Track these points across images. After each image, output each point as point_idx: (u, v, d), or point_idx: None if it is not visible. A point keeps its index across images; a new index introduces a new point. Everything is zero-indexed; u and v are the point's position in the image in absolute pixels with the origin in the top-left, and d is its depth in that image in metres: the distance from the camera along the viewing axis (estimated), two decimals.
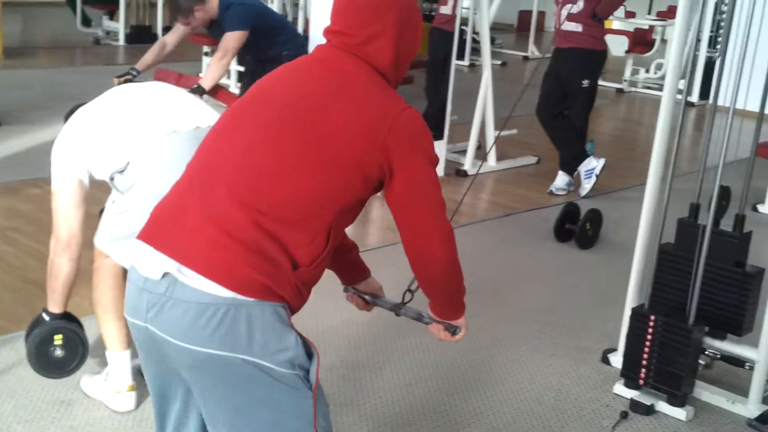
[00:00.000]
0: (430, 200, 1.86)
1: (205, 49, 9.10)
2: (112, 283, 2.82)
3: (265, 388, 1.74)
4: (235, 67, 8.72)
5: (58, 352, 2.81)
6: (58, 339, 2.79)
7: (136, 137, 2.64)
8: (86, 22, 11.88)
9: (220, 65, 4.83)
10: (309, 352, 1.80)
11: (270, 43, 5.08)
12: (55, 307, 2.79)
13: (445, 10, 6.55)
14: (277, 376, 1.73)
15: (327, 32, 1.95)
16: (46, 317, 2.80)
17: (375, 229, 4.85)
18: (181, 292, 1.71)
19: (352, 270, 2.19)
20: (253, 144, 1.80)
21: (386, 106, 1.82)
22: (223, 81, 8.62)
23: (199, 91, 4.67)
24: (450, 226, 1.90)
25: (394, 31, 1.89)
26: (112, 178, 2.66)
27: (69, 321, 2.83)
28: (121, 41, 11.47)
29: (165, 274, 1.72)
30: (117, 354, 2.88)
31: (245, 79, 5.81)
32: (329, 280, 2.03)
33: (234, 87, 8.54)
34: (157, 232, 1.80)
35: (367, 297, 2.17)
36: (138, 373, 3.02)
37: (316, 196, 1.76)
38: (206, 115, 2.73)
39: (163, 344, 1.75)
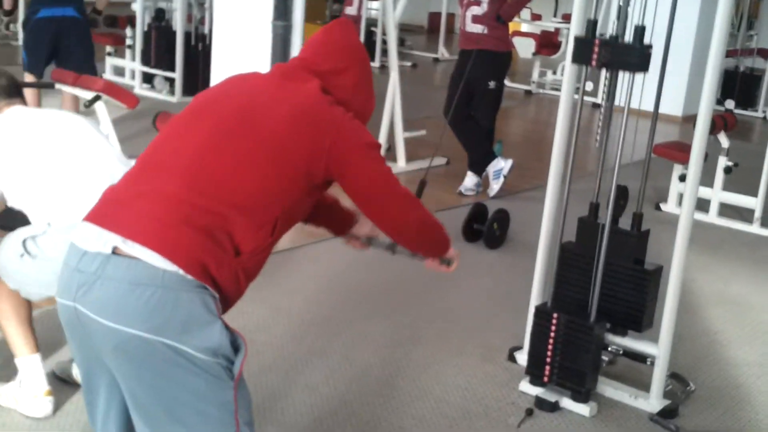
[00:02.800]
0: (387, 189, 2.06)
1: (108, 49, 8.92)
2: (8, 289, 2.74)
3: (185, 373, 1.77)
4: (139, 68, 8.56)
5: None
6: None
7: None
8: None
9: None
10: (236, 344, 1.84)
11: None
12: None
13: (350, 11, 6.54)
14: (197, 362, 1.77)
15: (294, 60, 2.14)
16: None
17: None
18: (112, 271, 1.75)
19: (340, 221, 2.40)
20: (208, 138, 1.90)
21: (333, 113, 1.98)
22: (126, 81, 8.47)
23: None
24: (405, 191, 2.09)
25: (357, 74, 2.09)
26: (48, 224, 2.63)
27: None
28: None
29: (98, 254, 1.77)
30: (26, 359, 2.80)
31: None
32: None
33: (139, 88, 8.37)
34: (105, 214, 1.85)
35: (362, 239, 2.44)
36: (54, 379, 2.94)
37: (264, 188, 1.87)
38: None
39: (88, 324, 1.78)
